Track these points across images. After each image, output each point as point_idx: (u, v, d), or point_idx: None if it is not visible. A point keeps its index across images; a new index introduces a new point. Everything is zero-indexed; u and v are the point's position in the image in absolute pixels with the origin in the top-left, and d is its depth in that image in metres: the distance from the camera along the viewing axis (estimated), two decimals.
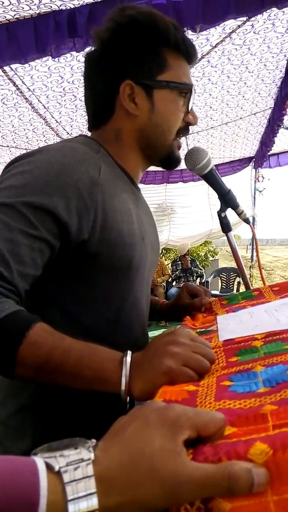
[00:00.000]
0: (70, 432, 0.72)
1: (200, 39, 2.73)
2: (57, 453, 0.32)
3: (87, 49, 0.86)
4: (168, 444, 0.33)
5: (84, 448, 0.33)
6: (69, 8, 2.13)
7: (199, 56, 2.99)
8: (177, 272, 7.44)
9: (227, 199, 1.04)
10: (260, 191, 6.48)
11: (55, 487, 0.30)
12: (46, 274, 0.69)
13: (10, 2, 2.06)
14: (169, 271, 7.68)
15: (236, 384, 0.50)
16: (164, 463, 0.32)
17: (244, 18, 2.49)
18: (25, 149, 4.72)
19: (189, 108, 0.85)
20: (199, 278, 7.58)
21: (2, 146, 4.59)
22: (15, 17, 2.17)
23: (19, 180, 0.67)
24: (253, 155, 6.07)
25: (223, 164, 6.28)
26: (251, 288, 1.08)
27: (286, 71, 3.24)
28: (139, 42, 0.79)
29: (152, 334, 0.88)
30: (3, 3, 2.06)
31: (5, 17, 2.16)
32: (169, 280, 7.57)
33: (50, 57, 2.36)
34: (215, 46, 2.87)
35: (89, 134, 0.90)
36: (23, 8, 2.11)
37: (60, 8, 2.13)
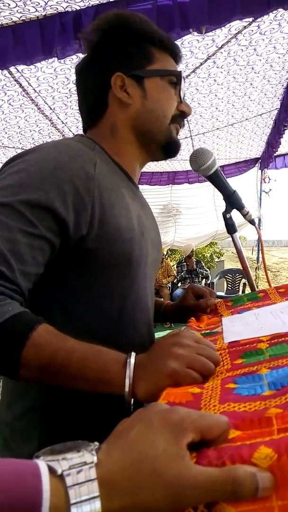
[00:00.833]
0: (76, 434, 0.71)
1: (206, 40, 2.73)
2: (59, 456, 0.32)
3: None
4: (172, 447, 0.33)
5: (87, 451, 0.33)
6: (74, 10, 2.14)
7: (205, 57, 2.99)
8: (182, 273, 7.42)
9: (232, 200, 1.03)
10: (266, 192, 6.46)
11: (58, 490, 0.30)
12: (47, 273, 0.69)
13: (17, 4, 2.07)
14: (175, 272, 7.66)
15: (241, 387, 0.49)
16: (168, 467, 0.32)
17: (250, 19, 2.48)
18: None
19: (182, 98, 0.87)
20: (204, 280, 7.56)
21: (9, 147, 4.61)
22: (21, 19, 2.19)
23: (15, 179, 0.67)
24: (259, 156, 6.05)
25: (229, 165, 6.27)
26: (257, 289, 1.07)
27: None
28: (126, 40, 0.82)
29: (157, 335, 0.88)
30: (9, 5, 2.07)
31: (11, 19, 2.18)
32: (174, 281, 7.55)
33: (56, 59, 2.37)
34: (221, 47, 2.86)
35: None
36: (29, 10, 2.13)
37: (66, 10, 2.15)
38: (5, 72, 2.83)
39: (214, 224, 7.23)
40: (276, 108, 4.18)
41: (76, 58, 2.67)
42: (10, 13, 2.13)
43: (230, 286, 8.18)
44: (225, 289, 8.38)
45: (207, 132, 4.80)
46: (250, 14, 2.03)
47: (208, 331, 0.80)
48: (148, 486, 0.31)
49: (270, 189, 6.45)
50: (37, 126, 4.09)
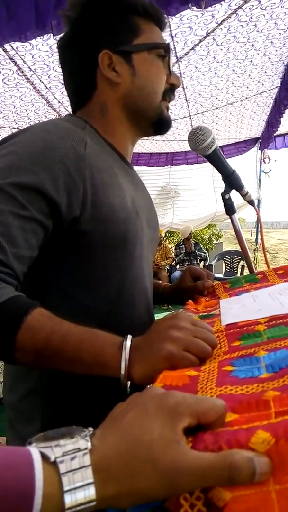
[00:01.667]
0: (78, 415, 0.72)
1: (205, 16, 2.66)
2: (53, 442, 0.31)
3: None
4: (168, 432, 0.32)
5: (81, 437, 0.32)
6: None
7: (204, 33, 2.92)
8: (180, 256, 7.42)
9: (231, 180, 1.02)
10: (266, 173, 6.41)
11: (51, 478, 0.29)
12: (42, 257, 0.68)
13: None
14: (173, 254, 7.66)
15: (238, 369, 0.49)
16: (163, 452, 0.31)
17: None
18: None
19: (170, 70, 0.85)
20: (202, 262, 7.57)
21: (4, 127, 4.55)
22: None
23: (4, 162, 0.65)
24: (259, 136, 5.98)
25: (228, 145, 6.21)
26: (255, 271, 1.07)
27: None
28: (109, 13, 0.79)
29: (155, 317, 0.88)
30: None
31: None
32: (173, 263, 7.57)
33: (51, 36, 2.31)
34: (221, 23, 2.79)
35: None
36: None
37: None
38: (0, 49, 2.77)
39: (213, 206, 7.21)
40: (277, 87, 4.12)
41: None
42: None
43: (229, 268, 8.20)
44: (223, 271, 8.40)
45: (206, 112, 4.74)
46: None
47: (206, 313, 0.79)
48: (144, 472, 0.31)
49: (270, 170, 6.40)
50: (33, 105, 4.02)
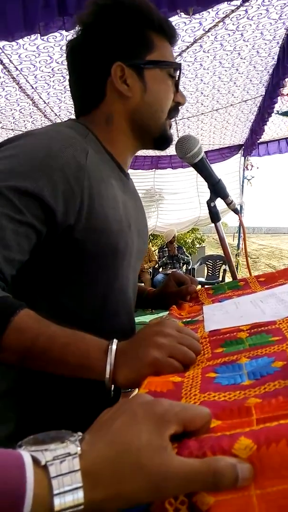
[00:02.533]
0: (53, 418, 0.72)
1: (193, 23, 2.69)
2: (43, 446, 0.32)
3: (77, 29, 0.83)
4: (155, 439, 0.33)
5: (71, 441, 0.33)
6: None
7: (191, 40, 2.95)
8: (163, 259, 7.44)
9: (217, 189, 1.03)
10: (248, 180, 6.49)
11: (41, 481, 0.30)
12: (33, 261, 0.69)
13: None
14: (156, 257, 7.68)
15: (221, 376, 0.50)
16: (151, 458, 0.32)
17: (238, 2, 2.45)
18: (12, 129, 4.62)
19: (178, 88, 0.86)
20: (185, 265, 7.60)
21: None
22: None
23: (5, 165, 0.66)
24: (243, 143, 6.06)
25: (213, 151, 6.26)
26: (238, 277, 1.09)
27: (278, 59, 3.22)
28: (124, 24, 0.79)
29: (138, 319, 0.89)
30: None
31: None
32: (156, 266, 7.58)
33: (38, 36, 2.30)
34: (208, 31, 2.82)
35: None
36: None
37: None
38: None
39: (196, 210, 7.25)
40: (261, 95, 4.18)
41: (60, 36, 2.59)
42: None
43: (211, 272, 8.26)
44: (205, 275, 8.46)
45: (192, 117, 4.78)
46: None
47: (189, 319, 0.81)
48: (131, 477, 0.32)
49: (253, 177, 6.48)
50: (18, 105, 3.98)
